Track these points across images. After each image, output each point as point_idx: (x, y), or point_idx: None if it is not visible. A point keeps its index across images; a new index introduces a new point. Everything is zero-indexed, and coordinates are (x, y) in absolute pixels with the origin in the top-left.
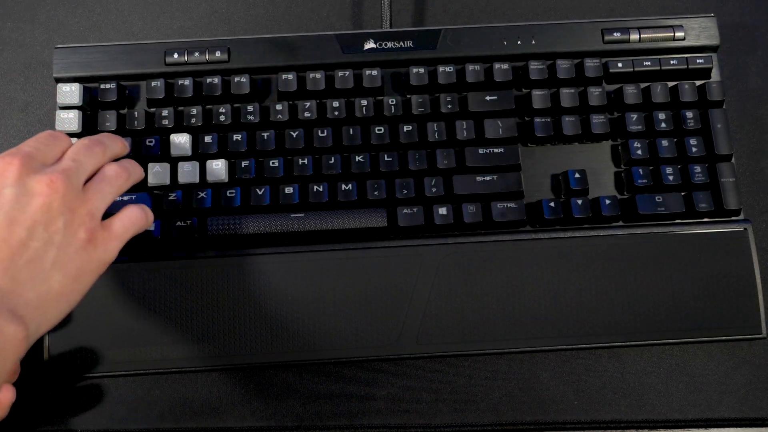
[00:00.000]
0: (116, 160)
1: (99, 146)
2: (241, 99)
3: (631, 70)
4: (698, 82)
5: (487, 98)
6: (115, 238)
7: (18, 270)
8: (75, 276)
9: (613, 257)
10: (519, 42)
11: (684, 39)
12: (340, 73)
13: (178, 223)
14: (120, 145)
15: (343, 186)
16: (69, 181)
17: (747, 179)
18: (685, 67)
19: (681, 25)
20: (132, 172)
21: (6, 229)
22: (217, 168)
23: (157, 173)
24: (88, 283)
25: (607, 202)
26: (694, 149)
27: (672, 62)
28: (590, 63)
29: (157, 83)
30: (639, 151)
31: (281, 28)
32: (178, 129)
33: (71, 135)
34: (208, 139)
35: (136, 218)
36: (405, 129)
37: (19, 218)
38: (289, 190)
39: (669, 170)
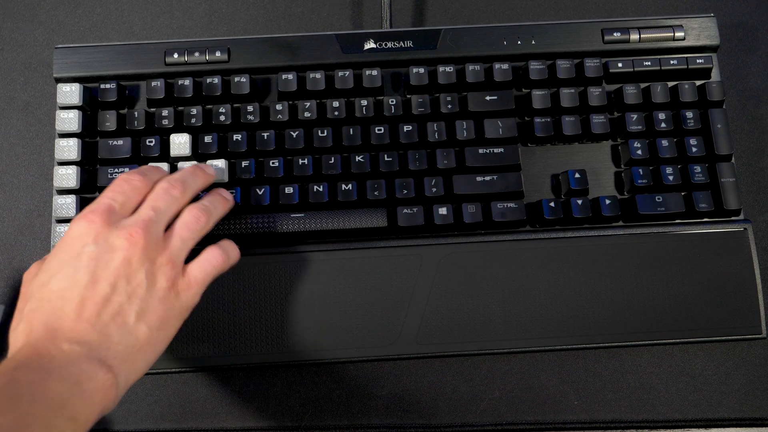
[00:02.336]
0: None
1: (178, 188)
2: (241, 99)
3: (631, 70)
4: (698, 82)
5: (487, 98)
6: (196, 284)
7: (105, 325)
8: (159, 325)
9: (613, 257)
10: (519, 42)
11: (684, 39)
12: (340, 73)
13: None
14: (202, 179)
15: (343, 186)
16: (148, 232)
17: (747, 179)
18: (685, 67)
19: (681, 25)
20: (213, 211)
21: (91, 287)
22: (217, 168)
23: None
24: (173, 329)
25: (607, 202)
26: (694, 149)
27: (672, 62)
28: (590, 63)
29: (157, 83)
30: (639, 151)
31: (281, 28)
32: (178, 129)
33: (71, 135)
34: (208, 139)
35: (215, 261)
36: (405, 129)
37: (103, 275)
38: (289, 190)
39: (669, 170)
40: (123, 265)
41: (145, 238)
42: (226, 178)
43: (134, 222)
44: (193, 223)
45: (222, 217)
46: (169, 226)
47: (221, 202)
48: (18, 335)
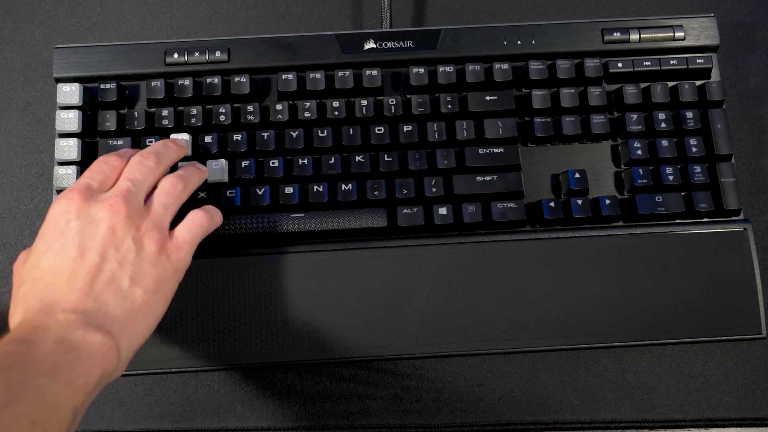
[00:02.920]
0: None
1: (151, 159)
2: (241, 99)
3: (631, 70)
4: (698, 82)
5: (487, 98)
6: (185, 244)
7: (99, 292)
8: (154, 288)
9: (613, 257)
10: (519, 42)
11: (684, 39)
12: (340, 73)
13: None
14: (174, 150)
15: (343, 186)
16: (128, 201)
17: (747, 179)
18: (685, 67)
19: (681, 25)
20: (189, 178)
21: (80, 260)
22: (217, 168)
23: None
24: (169, 291)
25: (607, 202)
26: (694, 149)
27: (672, 62)
28: (590, 63)
29: (157, 83)
30: (639, 151)
31: (281, 28)
32: (178, 129)
33: (71, 135)
34: (208, 139)
35: (200, 221)
36: (405, 129)
37: (90, 246)
38: (289, 190)
39: (669, 170)
40: (109, 234)
41: (127, 207)
42: (225, 178)
43: (113, 193)
44: (171, 188)
45: (198, 185)
46: (147, 199)
47: (196, 171)
48: (15, 318)
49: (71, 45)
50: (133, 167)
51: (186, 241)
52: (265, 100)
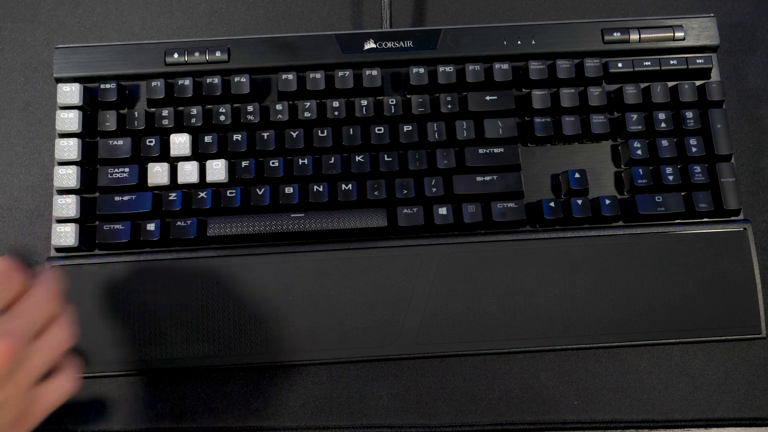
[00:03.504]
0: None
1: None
2: (241, 99)
3: (631, 70)
4: (698, 82)
5: (487, 98)
6: (42, 413)
7: None
8: None
9: (613, 257)
10: (519, 42)
11: (684, 39)
12: (340, 73)
13: (178, 223)
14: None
15: (343, 186)
16: (16, 349)
17: (747, 179)
18: (685, 67)
19: (681, 25)
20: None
21: None
22: (217, 168)
23: (157, 173)
24: None
25: (607, 202)
26: (694, 149)
27: (672, 62)
28: (590, 63)
29: (157, 83)
30: (639, 151)
31: (281, 28)
32: (178, 129)
33: (71, 135)
34: (208, 139)
35: (65, 391)
36: (405, 129)
37: None
38: (289, 190)
39: (669, 170)
40: None
41: (12, 356)
42: (225, 178)
43: (7, 331)
44: (58, 345)
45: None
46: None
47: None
48: None
49: (71, 45)
50: (35, 310)
51: (44, 412)
52: (265, 100)
